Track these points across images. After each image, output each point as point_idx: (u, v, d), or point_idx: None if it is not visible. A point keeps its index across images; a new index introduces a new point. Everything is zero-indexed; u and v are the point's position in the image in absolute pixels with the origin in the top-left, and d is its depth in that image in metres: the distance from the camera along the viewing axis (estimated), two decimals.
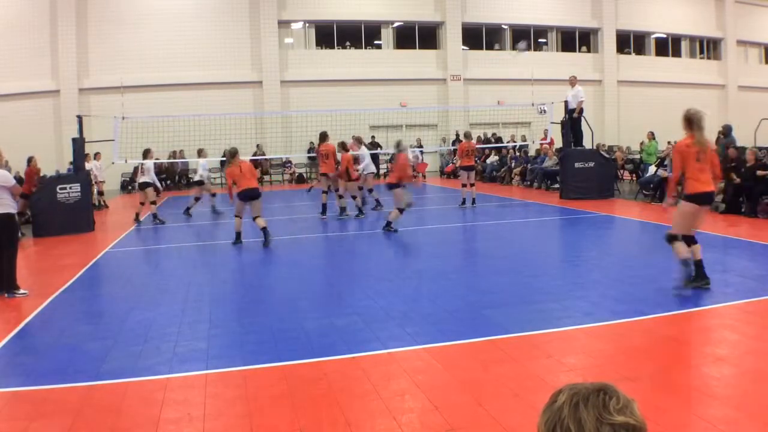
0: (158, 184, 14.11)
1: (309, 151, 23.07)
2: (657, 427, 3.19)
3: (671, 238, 5.97)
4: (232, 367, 4.37)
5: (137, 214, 13.15)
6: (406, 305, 5.84)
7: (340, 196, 12.69)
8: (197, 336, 5.11)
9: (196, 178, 14.53)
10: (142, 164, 13.16)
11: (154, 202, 13.12)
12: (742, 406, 3.46)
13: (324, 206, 12.77)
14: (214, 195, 14.94)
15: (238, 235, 9.82)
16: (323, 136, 12.88)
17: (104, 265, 8.81)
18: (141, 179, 13.19)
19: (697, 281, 5.91)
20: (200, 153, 15.01)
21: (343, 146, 12.92)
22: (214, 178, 24.40)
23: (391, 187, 10.59)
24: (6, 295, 6.78)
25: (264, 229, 9.69)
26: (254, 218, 9.82)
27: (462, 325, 5.16)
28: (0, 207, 6.93)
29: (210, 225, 12.77)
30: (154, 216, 12.96)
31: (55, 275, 7.76)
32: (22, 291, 6.85)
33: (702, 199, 5.81)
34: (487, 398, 3.68)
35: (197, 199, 14.31)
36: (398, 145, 11.06)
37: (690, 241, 5.93)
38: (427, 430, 3.37)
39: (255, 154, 22.00)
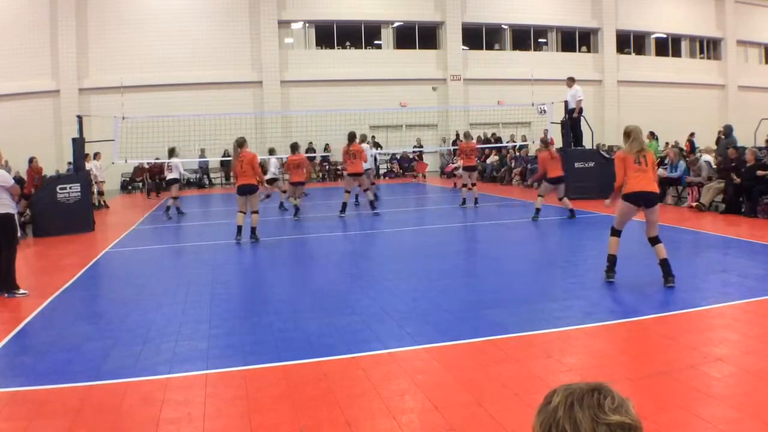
0: (183, 174, 15.14)
1: (307, 151, 23.07)
2: (657, 427, 3.19)
3: (611, 231, 6.58)
4: (232, 367, 4.37)
5: (178, 209, 14.21)
6: (406, 305, 5.84)
7: (365, 190, 13.16)
8: (197, 336, 5.11)
9: (268, 175, 14.53)
10: (169, 162, 14.30)
11: (176, 197, 14.19)
12: (742, 406, 3.46)
13: (344, 205, 12.87)
14: (285, 192, 15.00)
15: (239, 229, 9.92)
16: (352, 137, 12.94)
17: (104, 265, 8.80)
18: (169, 176, 14.35)
19: (666, 280, 6.20)
20: (272, 151, 15.44)
21: (294, 148, 12.84)
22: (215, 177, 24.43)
23: (560, 180, 11.44)
24: (6, 295, 6.78)
25: (253, 229, 9.96)
26: (252, 212, 10.03)
27: (462, 325, 5.15)
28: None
29: (210, 225, 12.77)
30: (178, 209, 14.15)
31: (55, 275, 7.76)
32: (22, 291, 6.85)
33: (634, 198, 6.27)
34: (487, 398, 3.68)
35: (267, 196, 14.48)
36: (544, 141, 11.99)
37: (654, 241, 6.31)
38: (427, 430, 3.37)
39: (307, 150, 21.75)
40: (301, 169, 12.75)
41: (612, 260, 6.50)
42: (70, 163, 19.87)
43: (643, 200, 6.27)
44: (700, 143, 23.92)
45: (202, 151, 21.75)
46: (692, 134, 23.03)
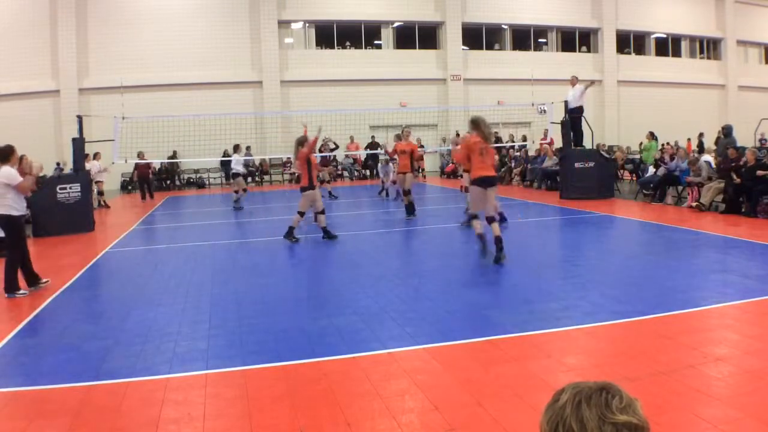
0: (242, 172, 15.98)
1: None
2: (657, 427, 3.18)
3: (471, 217, 7.94)
4: (232, 367, 4.36)
5: (237, 200, 15.16)
6: (406, 305, 5.84)
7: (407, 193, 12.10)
8: (197, 336, 5.11)
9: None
10: (231, 160, 15.84)
11: (245, 190, 15.52)
12: (742, 406, 3.46)
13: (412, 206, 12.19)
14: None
15: (290, 229, 9.79)
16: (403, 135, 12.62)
17: (104, 265, 8.80)
18: (233, 170, 15.76)
19: (497, 255, 7.42)
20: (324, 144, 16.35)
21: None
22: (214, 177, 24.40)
23: None
24: (6, 295, 6.78)
25: (323, 229, 9.81)
26: (317, 213, 9.89)
27: (462, 325, 5.15)
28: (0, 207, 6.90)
29: (211, 225, 12.76)
30: (237, 201, 15.18)
31: (55, 275, 7.76)
32: (22, 291, 6.84)
33: (481, 182, 7.62)
34: (487, 398, 3.68)
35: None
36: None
37: (490, 220, 7.65)
38: (427, 430, 3.37)
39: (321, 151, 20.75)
40: None
41: (482, 238, 7.71)
42: (58, 163, 19.91)
43: (485, 183, 7.60)
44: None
45: (248, 148, 21.69)
46: (701, 134, 23.07)
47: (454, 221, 11.71)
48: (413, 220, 11.74)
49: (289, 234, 9.78)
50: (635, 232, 10.34)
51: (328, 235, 9.78)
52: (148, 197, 19.39)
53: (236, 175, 15.49)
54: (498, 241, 7.33)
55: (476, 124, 7.63)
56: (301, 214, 9.82)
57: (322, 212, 9.83)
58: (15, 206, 6.97)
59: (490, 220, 7.58)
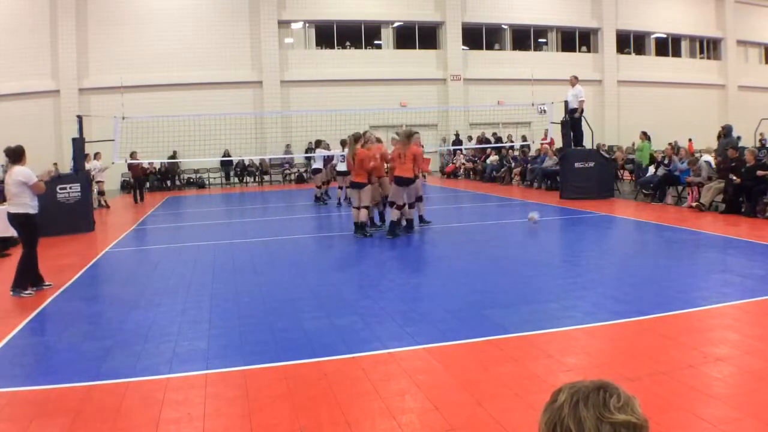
0: (322, 169, 15.80)
1: (307, 151, 23.05)
2: (657, 427, 3.19)
3: (390, 204, 9.86)
4: (232, 367, 4.37)
5: (316, 196, 15.72)
6: (406, 305, 5.84)
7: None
8: (197, 336, 5.11)
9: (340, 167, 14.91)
10: (313, 156, 16.00)
11: (320, 186, 15.73)
12: (742, 406, 3.46)
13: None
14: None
15: (355, 225, 10.05)
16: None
17: (104, 265, 8.80)
18: (314, 166, 16.15)
19: (397, 231, 9.82)
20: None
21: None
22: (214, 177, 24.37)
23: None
24: (11, 293, 6.79)
25: (359, 224, 9.99)
26: (361, 207, 10.07)
27: (462, 325, 5.15)
28: (16, 207, 6.90)
29: (210, 225, 12.76)
30: (323, 194, 15.59)
31: (55, 275, 7.76)
32: (28, 291, 6.84)
33: (399, 181, 9.73)
34: (487, 398, 3.68)
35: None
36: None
37: (411, 205, 10.06)
38: (427, 430, 3.37)
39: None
40: None
41: (398, 222, 9.86)
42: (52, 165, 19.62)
43: (401, 183, 9.67)
44: (700, 143, 23.97)
45: (288, 146, 21.54)
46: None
47: (454, 221, 11.71)
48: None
49: (358, 229, 10.03)
50: (635, 232, 10.34)
51: (359, 230, 10.00)
52: (140, 200, 18.59)
53: (317, 171, 15.68)
54: (410, 222, 10.15)
55: (406, 136, 9.81)
56: (372, 206, 10.21)
57: (366, 207, 10.08)
58: (31, 205, 6.98)
59: (411, 205, 10.02)
